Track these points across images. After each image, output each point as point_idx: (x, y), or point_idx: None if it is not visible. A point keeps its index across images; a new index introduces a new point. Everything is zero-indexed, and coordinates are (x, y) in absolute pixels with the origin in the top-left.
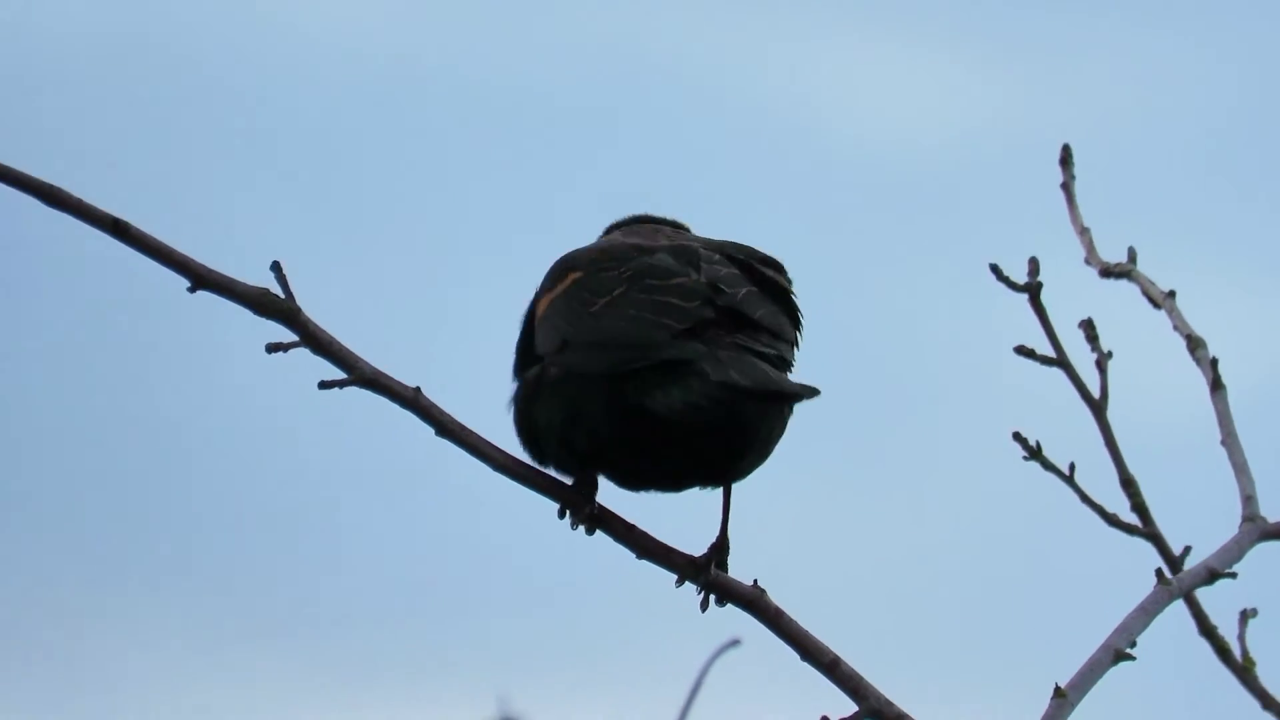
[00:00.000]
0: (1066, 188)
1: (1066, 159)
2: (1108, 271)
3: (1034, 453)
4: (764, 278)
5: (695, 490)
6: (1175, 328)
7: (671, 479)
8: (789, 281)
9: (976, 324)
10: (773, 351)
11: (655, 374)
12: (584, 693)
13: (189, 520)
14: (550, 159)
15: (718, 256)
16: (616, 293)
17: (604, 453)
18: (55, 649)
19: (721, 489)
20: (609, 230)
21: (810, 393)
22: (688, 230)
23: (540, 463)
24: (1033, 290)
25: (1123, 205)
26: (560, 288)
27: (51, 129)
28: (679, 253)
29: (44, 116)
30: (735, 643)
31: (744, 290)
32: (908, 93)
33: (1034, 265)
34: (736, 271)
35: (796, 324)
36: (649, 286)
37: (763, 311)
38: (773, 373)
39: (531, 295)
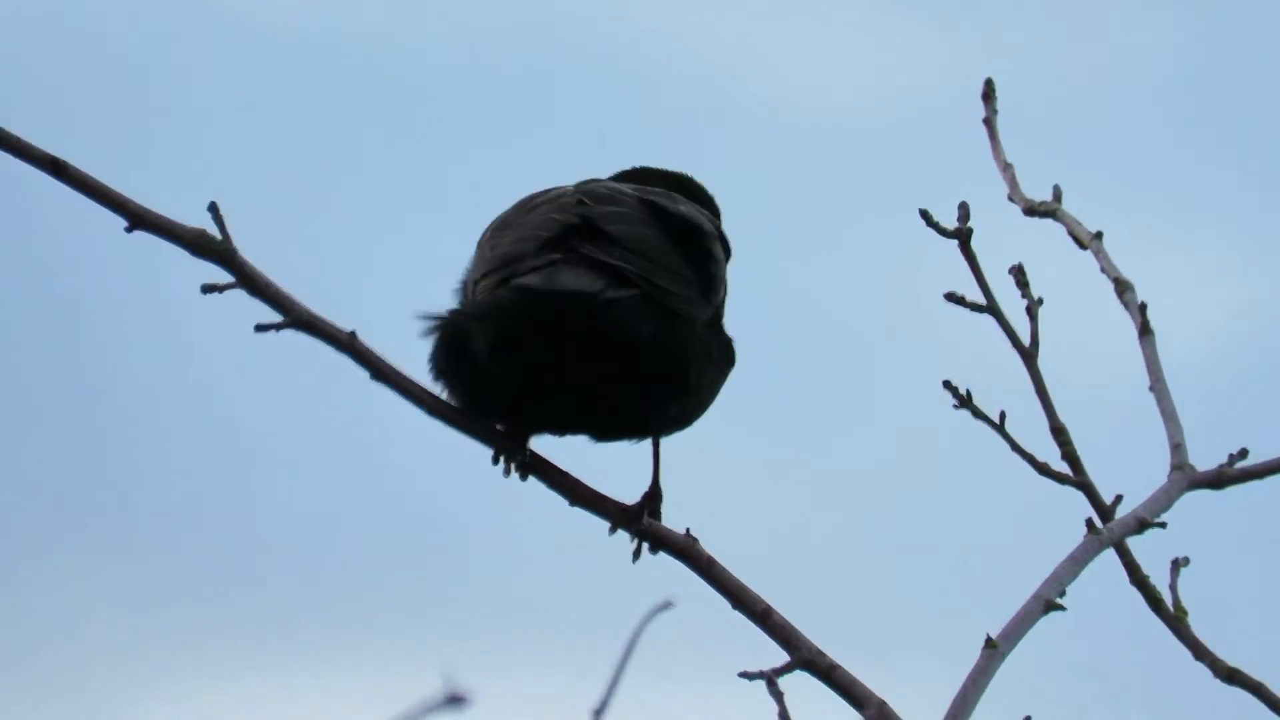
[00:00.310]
0: (989, 123)
1: (989, 93)
2: (1032, 210)
3: (964, 401)
4: (666, 212)
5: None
6: (1103, 270)
7: (574, 421)
8: (714, 223)
9: (906, 271)
10: (627, 267)
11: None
12: (515, 639)
13: (118, 464)
14: (483, 115)
15: (629, 189)
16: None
17: (494, 392)
18: None
19: (651, 440)
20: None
21: (599, 291)
22: (689, 181)
23: (481, 412)
24: (962, 236)
25: (1047, 147)
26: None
27: None
28: (592, 191)
29: None
30: (668, 604)
31: (612, 209)
32: (829, 50)
33: (964, 210)
34: (629, 204)
35: (703, 261)
36: (533, 206)
37: (623, 228)
38: (573, 277)
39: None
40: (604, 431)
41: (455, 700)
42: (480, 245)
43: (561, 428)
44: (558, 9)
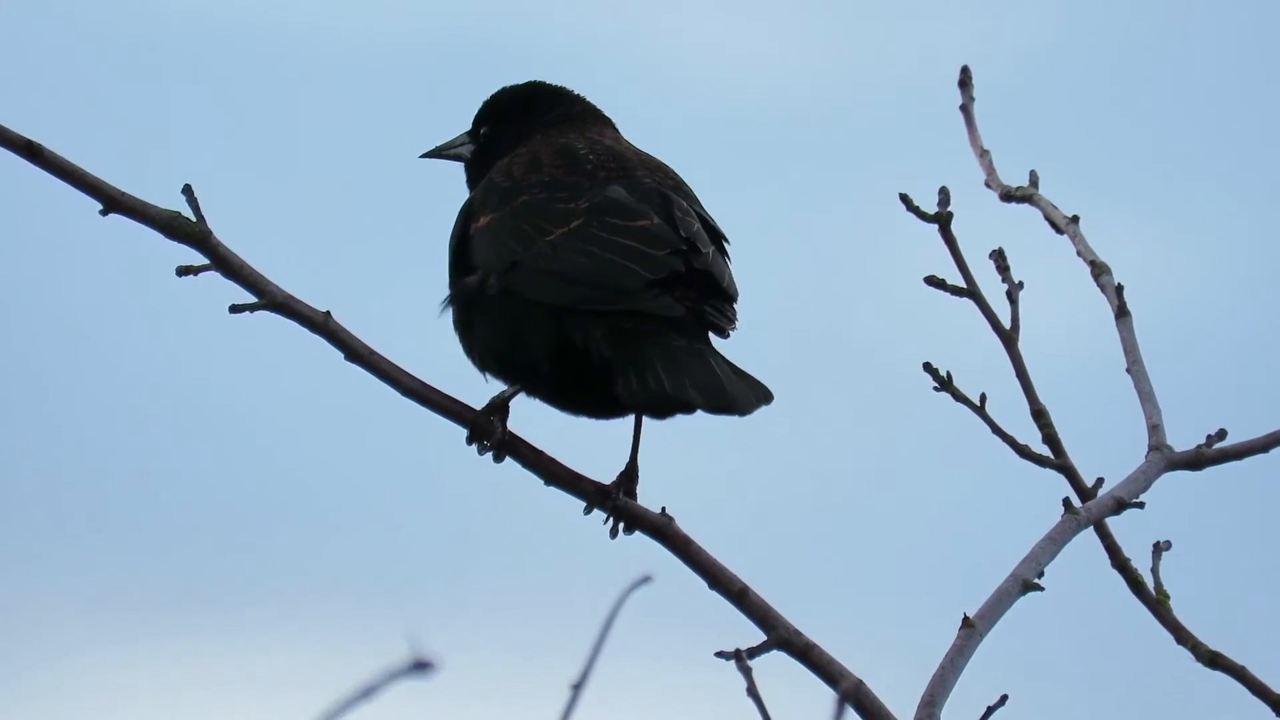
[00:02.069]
0: (966, 109)
1: (965, 81)
2: (1009, 195)
3: (945, 383)
4: (712, 227)
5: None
6: (1079, 253)
7: (599, 408)
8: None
9: (885, 255)
10: (732, 327)
11: (610, 319)
12: (492, 617)
13: (97, 446)
14: (454, 95)
15: (684, 203)
16: (574, 225)
17: (537, 375)
18: None
19: (633, 418)
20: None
21: (764, 400)
22: (608, 126)
23: (480, 369)
24: (943, 220)
25: (1023, 133)
26: (509, 207)
27: None
28: (643, 191)
29: None
30: (646, 579)
31: (712, 250)
32: (804, 36)
33: (944, 195)
34: (698, 222)
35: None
36: (610, 225)
37: (728, 277)
38: (728, 386)
39: (465, 203)
40: (610, 415)
41: (421, 666)
42: (498, 221)
43: (575, 409)
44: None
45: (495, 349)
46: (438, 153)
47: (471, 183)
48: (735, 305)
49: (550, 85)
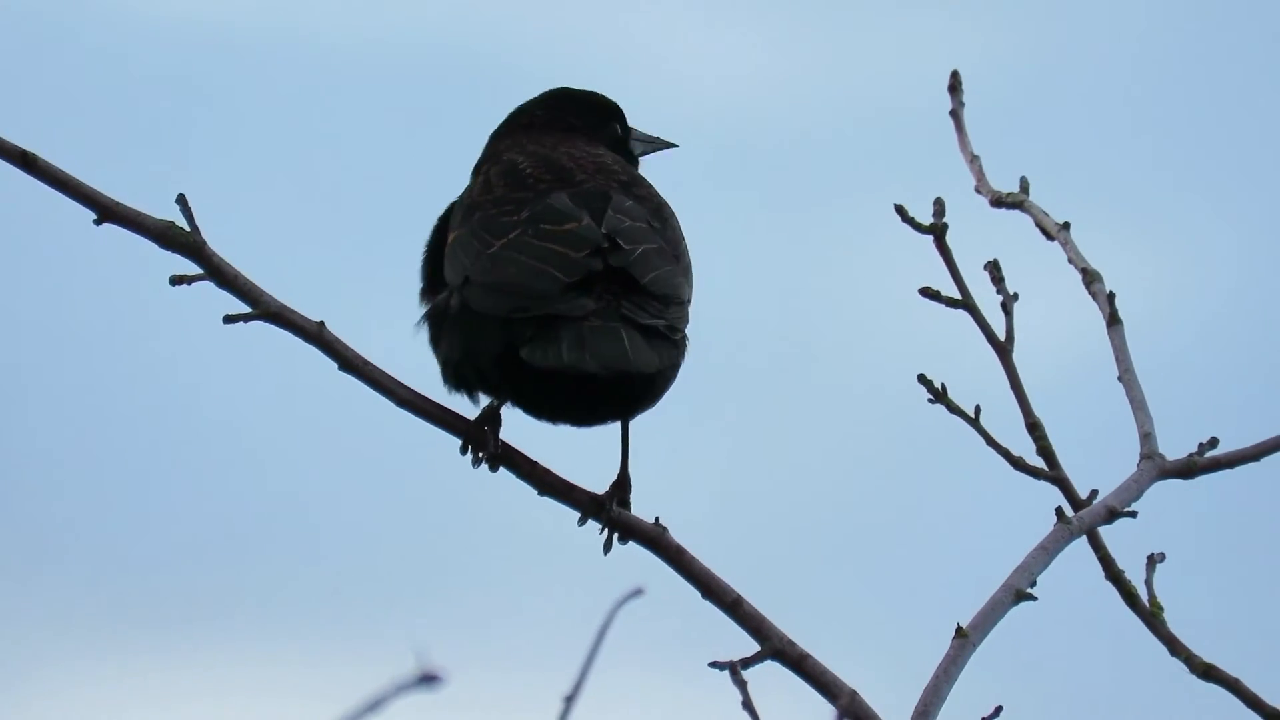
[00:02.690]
0: (955, 114)
1: (955, 86)
2: (999, 201)
3: (939, 395)
4: (666, 220)
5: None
6: (1070, 260)
7: (566, 416)
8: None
9: (879, 265)
10: (658, 322)
11: (537, 325)
12: (484, 629)
13: (90, 457)
14: (447, 105)
15: (629, 202)
16: (512, 235)
17: (498, 389)
18: None
19: (620, 425)
20: (521, 122)
21: (659, 363)
22: (562, 131)
23: (455, 388)
24: (938, 231)
25: (1013, 138)
26: (469, 224)
27: None
28: (584, 195)
29: None
30: (639, 591)
31: (643, 248)
32: (793, 45)
33: (939, 206)
34: (645, 221)
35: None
36: (542, 231)
37: (656, 274)
38: (631, 352)
39: (439, 218)
40: (582, 424)
41: (428, 679)
42: (457, 238)
43: (548, 418)
44: (526, 7)
45: (452, 362)
46: None
47: None
48: (673, 303)
49: (524, 102)
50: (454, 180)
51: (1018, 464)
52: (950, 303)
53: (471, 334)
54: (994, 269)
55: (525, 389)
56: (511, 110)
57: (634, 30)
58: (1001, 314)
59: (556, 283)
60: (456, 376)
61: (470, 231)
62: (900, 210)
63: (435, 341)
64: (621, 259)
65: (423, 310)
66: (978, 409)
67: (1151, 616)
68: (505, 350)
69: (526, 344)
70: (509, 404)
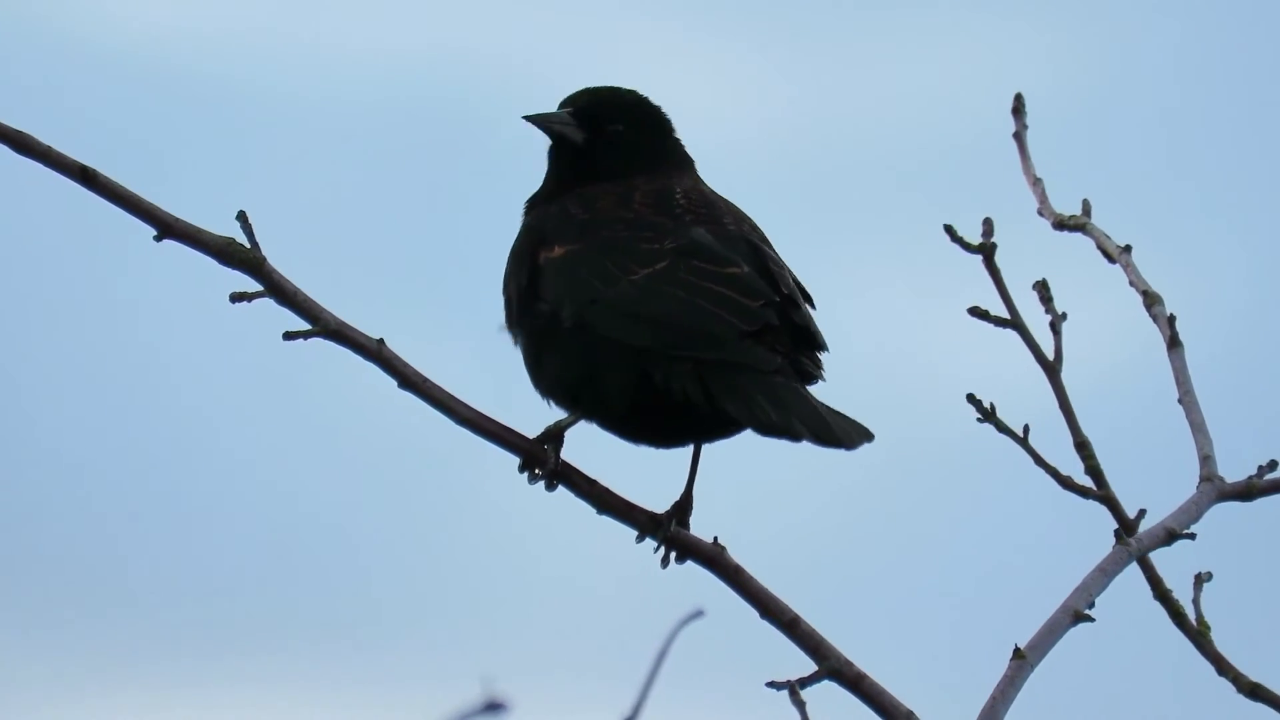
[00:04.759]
0: (1018, 137)
1: (1019, 108)
2: (1061, 224)
3: (988, 415)
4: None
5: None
6: (1131, 283)
7: (665, 439)
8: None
9: (929, 285)
10: (821, 375)
11: (702, 366)
12: (541, 647)
13: (149, 476)
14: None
15: (775, 255)
16: (660, 266)
17: (610, 411)
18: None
19: (691, 448)
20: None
21: (865, 438)
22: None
23: (543, 396)
24: (987, 251)
25: (1075, 160)
26: (590, 241)
27: (20, 80)
28: (728, 238)
29: (14, 67)
30: (699, 613)
31: (806, 308)
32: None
33: (988, 226)
34: (789, 272)
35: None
36: (698, 270)
37: (817, 329)
38: (831, 421)
39: (531, 225)
40: (674, 445)
41: (494, 707)
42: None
43: (640, 440)
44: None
45: (566, 382)
46: (542, 121)
47: (573, 167)
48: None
49: (663, 112)
50: (514, 195)
51: (1066, 483)
52: (999, 322)
53: (594, 357)
54: (1042, 289)
55: (649, 414)
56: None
57: (677, 59)
58: (1050, 334)
59: (733, 329)
60: (567, 395)
61: (598, 250)
62: (949, 230)
63: (537, 355)
64: (803, 317)
65: (514, 318)
66: (1026, 428)
67: (1199, 635)
68: (634, 377)
69: (728, 403)
70: (595, 421)
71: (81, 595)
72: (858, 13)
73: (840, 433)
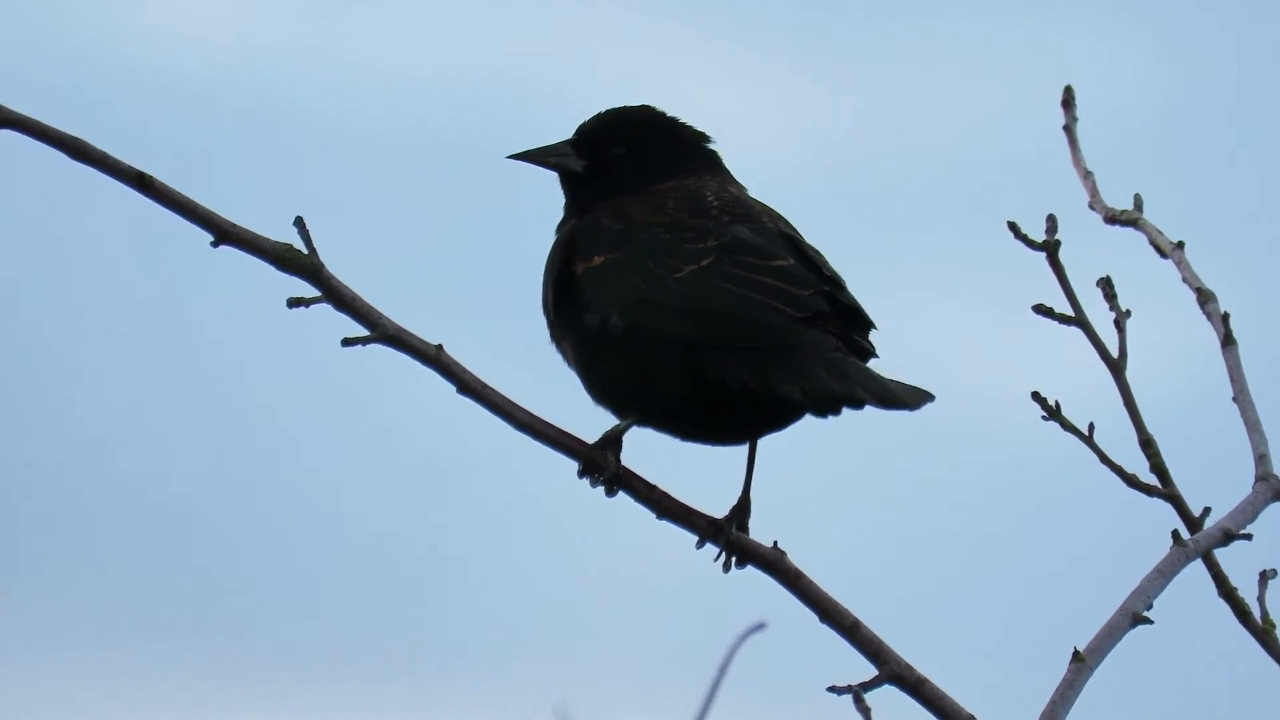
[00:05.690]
0: (1069, 130)
1: (1069, 101)
2: (1113, 218)
3: (1053, 413)
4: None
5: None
6: (1185, 280)
7: (721, 435)
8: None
9: (992, 282)
10: (875, 355)
11: (756, 355)
12: (601, 653)
13: (207, 483)
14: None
15: (812, 246)
16: (705, 263)
17: (668, 409)
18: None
19: (747, 450)
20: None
21: (927, 399)
22: (727, 173)
23: (601, 403)
24: (1050, 248)
25: (1127, 157)
26: (629, 246)
27: (76, 93)
28: (768, 234)
29: (72, 78)
30: (760, 625)
31: (848, 289)
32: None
33: (1052, 223)
34: (827, 261)
35: None
36: (745, 264)
37: (863, 309)
38: (892, 385)
39: (564, 240)
40: (731, 442)
41: None
42: (614, 261)
43: (699, 439)
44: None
45: (620, 385)
46: (535, 157)
47: (576, 198)
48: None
49: (678, 121)
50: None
51: (1132, 481)
52: (1063, 319)
53: (647, 358)
54: (1107, 285)
55: (705, 410)
56: (667, 126)
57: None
58: (1114, 331)
59: (785, 317)
60: (626, 397)
61: (638, 254)
62: (1013, 227)
63: (590, 363)
64: (850, 298)
65: (558, 334)
66: (1091, 426)
67: (1264, 633)
68: (694, 375)
69: (786, 384)
70: (651, 425)
71: (128, 609)
72: (902, 15)
73: (904, 394)
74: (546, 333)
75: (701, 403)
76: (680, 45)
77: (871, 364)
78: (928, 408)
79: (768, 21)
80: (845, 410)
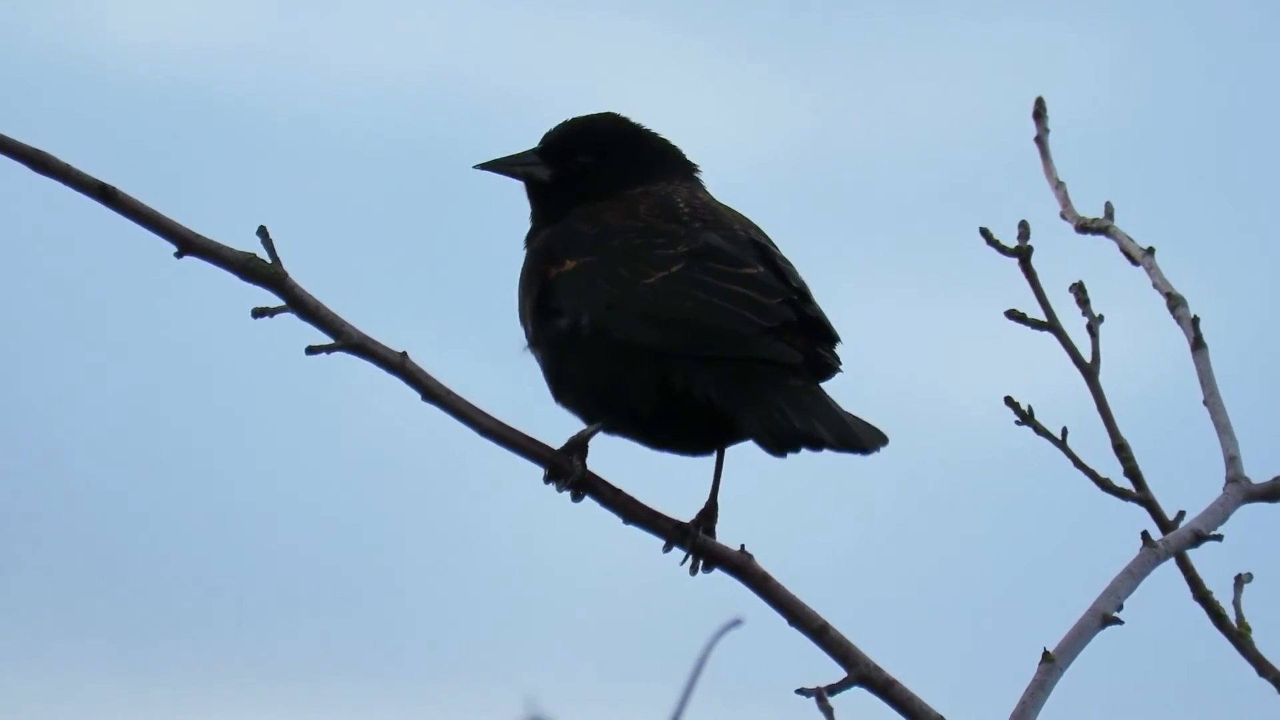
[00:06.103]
0: (1040, 141)
1: (1040, 112)
2: (1085, 227)
3: (1026, 417)
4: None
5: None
6: (1155, 285)
7: (688, 445)
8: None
9: (964, 289)
10: (839, 368)
11: (716, 362)
12: (568, 658)
13: (172, 493)
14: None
15: (783, 255)
16: (675, 269)
17: (635, 416)
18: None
19: (715, 456)
20: (624, 156)
21: (882, 441)
22: (697, 181)
23: (562, 405)
24: (1022, 254)
25: (1097, 164)
26: (600, 251)
27: (35, 101)
28: (740, 242)
29: (32, 87)
30: (736, 622)
31: (815, 301)
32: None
33: (1024, 229)
34: (795, 270)
35: None
36: (715, 271)
37: (829, 321)
38: (851, 424)
39: (539, 247)
40: (700, 451)
41: None
42: (585, 266)
43: (667, 447)
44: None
45: (588, 391)
46: (502, 166)
47: (543, 207)
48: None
49: (644, 129)
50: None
51: (1105, 485)
52: (1036, 325)
53: (615, 364)
54: (1079, 290)
55: (672, 420)
56: (633, 134)
57: (693, 79)
58: (1087, 336)
59: (752, 326)
60: (596, 402)
61: (609, 259)
62: (985, 233)
63: (559, 367)
64: (815, 310)
65: (532, 338)
66: (1064, 431)
67: (1239, 636)
68: (661, 383)
69: (746, 413)
70: (618, 431)
71: (99, 614)
72: (872, 20)
73: (862, 435)
74: (523, 341)
75: (667, 413)
76: (650, 49)
77: (837, 378)
78: (883, 447)
79: (737, 24)
80: (804, 450)
